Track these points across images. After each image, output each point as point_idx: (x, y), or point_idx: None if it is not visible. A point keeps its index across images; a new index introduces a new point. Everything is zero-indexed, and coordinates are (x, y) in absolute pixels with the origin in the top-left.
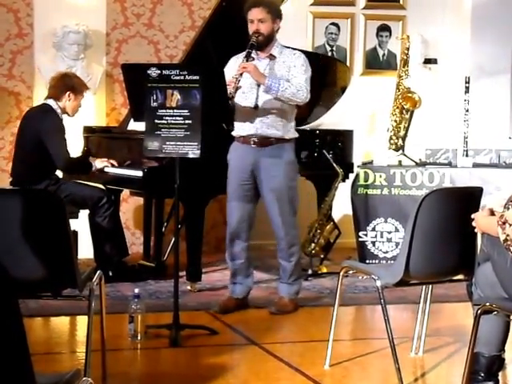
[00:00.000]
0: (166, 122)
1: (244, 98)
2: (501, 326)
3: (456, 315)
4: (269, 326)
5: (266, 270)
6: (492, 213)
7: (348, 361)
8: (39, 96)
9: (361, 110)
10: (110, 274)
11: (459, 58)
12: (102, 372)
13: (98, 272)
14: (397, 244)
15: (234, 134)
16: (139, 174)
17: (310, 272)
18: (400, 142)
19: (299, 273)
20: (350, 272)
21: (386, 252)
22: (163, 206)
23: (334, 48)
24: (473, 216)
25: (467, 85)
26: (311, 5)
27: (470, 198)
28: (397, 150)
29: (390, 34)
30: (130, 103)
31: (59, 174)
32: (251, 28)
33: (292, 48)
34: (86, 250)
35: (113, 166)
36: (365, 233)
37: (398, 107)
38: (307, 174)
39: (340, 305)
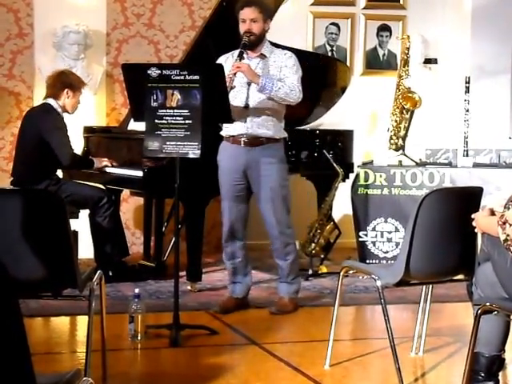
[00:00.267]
0: (166, 121)
1: (234, 98)
2: (501, 326)
3: (456, 315)
4: (269, 325)
5: (266, 270)
6: (492, 213)
7: (348, 361)
8: (39, 96)
9: (361, 110)
10: (111, 273)
11: (459, 58)
12: (102, 372)
13: (99, 272)
14: (397, 244)
15: (223, 133)
16: (139, 174)
17: (310, 272)
18: (400, 141)
19: (297, 271)
20: (350, 272)
21: (387, 252)
22: (163, 205)
23: (334, 48)
24: (473, 216)
25: (467, 85)
26: (311, 5)
27: (470, 197)
28: (397, 149)
29: (391, 34)
30: (130, 103)
31: (60, 174)
32: (243, 27)
33: (282, 47)
34: (86, 250)
35: (113, 165)
36: (365, 233)
37: (398, 107)
38: (307, 174)
39: (340, 305)
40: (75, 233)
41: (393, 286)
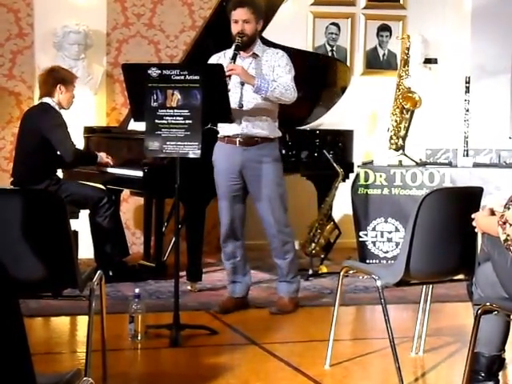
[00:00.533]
0: (166, 121)
1: None
2: (501, 326)
3: (456, 315)
4: (269, 325)
5: (266, 269)
6: (492, 213)
7: (348, 361)
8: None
9: (361, 110)
10: (111, 273)
11: (459, 58)
12: (103, 372)
13: (99, 272)
14: (397, 244)
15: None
16: (139, 174)
17: (310, 272)
18: (400, 141)
19: (296, 270)
20: (351, 272)
21: (387, 252)
22: (163, 205)
23: (335, 48)
24: (473, 216)
25: (467, 85)
26: (311, 5)
27: (470, 197)
28: (397, 149)
29: (391, 34)
30: (130, 103)
31: (60, 174)
32: (235, 28)
33: (274, 46)
34: (86, 250)
35: (112, 166)
36: (365, 233)
37: (398, 107)
38: (307, 174)
39: (340, 305)
40: (75, 233)
41: (393, 286)
